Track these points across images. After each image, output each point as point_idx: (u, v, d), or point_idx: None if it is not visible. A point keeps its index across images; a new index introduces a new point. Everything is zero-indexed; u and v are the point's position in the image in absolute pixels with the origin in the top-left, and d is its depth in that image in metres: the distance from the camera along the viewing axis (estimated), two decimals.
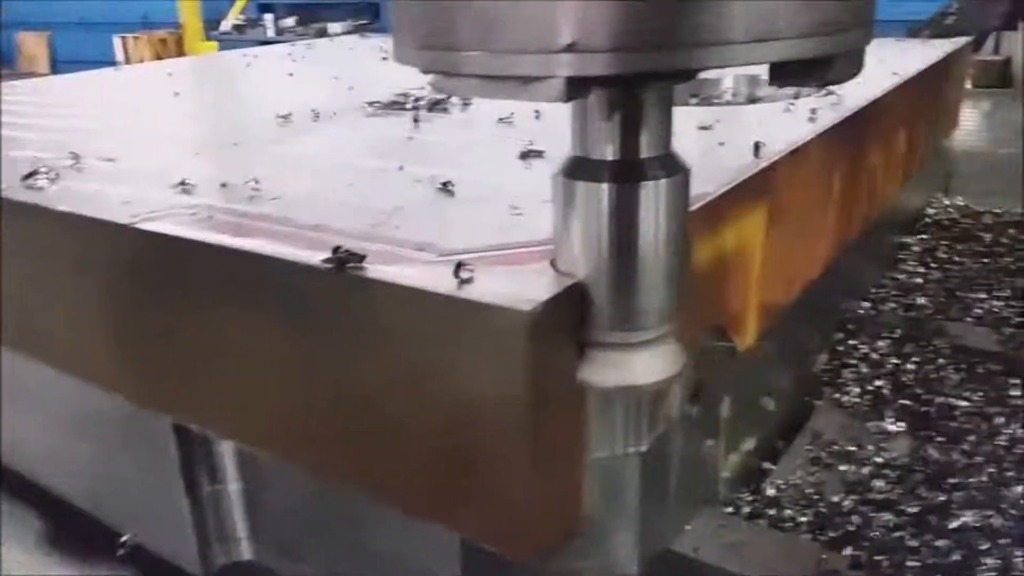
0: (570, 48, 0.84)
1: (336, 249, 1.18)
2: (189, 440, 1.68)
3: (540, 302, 1.06)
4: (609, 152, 1.03)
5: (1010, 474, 1.90)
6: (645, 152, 1.03)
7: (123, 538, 2.05)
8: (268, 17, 12.14)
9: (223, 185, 1.61)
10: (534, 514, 1.18)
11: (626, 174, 1.03)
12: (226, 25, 12.36)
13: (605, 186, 1.03)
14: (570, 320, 1.10)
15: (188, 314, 1.45)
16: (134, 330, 1.59)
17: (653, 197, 1.04)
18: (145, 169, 1.81)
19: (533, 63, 0.87)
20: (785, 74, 0.93)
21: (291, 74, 3.27)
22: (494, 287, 1.10)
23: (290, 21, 12.15)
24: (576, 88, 0.89)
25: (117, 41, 11.97)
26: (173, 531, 1.79)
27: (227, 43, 10.89)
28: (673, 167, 1.06)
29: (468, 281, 1.12)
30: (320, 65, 3.57)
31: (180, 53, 10.94)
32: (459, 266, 1.13)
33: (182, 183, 1.64)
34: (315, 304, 1.25)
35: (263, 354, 1.36)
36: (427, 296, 1.12)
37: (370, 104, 2.39)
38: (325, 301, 1.24)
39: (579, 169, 1.06)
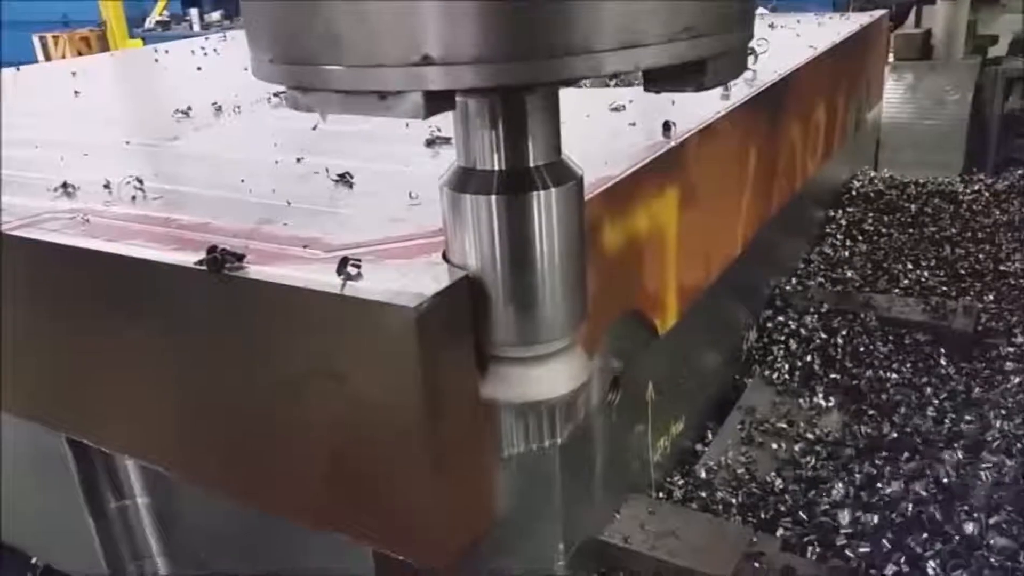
0: (427, 60, 0.78)
1: (212, 249, 1.11)
2: (88, 455, 1.59)
3: (428, 297, 1.00)
4: (496, 162, 0.98)
5: (940, 445, 1.90)
6: (533, 160, 0.98)
7: (33, 561, 1.96)
8: (193, 12, 11.82)
9: (106, 186, 1.52)
10: (439, 518, 1.12)
11: (515, 184, 0.98)
12: (150, 22, 12.01)
13: (494, 198, 0.98)
14: (463, 313, 1.04)
15: (67, 323, 1.36)
16: (18, 341, 1.49)
17: (545, 207, 0.98)
18: (29, 173, 1.71)
19: (388, 77, 0.80)
20: (658, 80, 0.88)
21: (200, 68, 3.15)
22: (380, 283, 1.04)
23: (216, 15, 11.85)
24: (437, 102, 0.82)
25: (36, 41, 11.53)
26: (81, 551, 1.70)
27: (152, 40, 10.58)
28: (564, 174, 1.01)
29: (353, 278, 1.05)
30: (232, 57, 3.45)
31: (104, 52, 10.60)
32: (344, 262, 1.06)
33: (64, 186, 1.54)
34: (194, 309, 1.17)
35: (145, 363, 1.28)
36: (310, 295, 1.05)
37: (277, 95, 2.29)
38: (204, 305, 1.16)
39: (466, 181, 1.00)
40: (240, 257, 1.11)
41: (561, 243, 1.01)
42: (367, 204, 1.39)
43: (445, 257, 1.09)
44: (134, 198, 1.47)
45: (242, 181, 1.53)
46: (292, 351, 1.11)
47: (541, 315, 1.03)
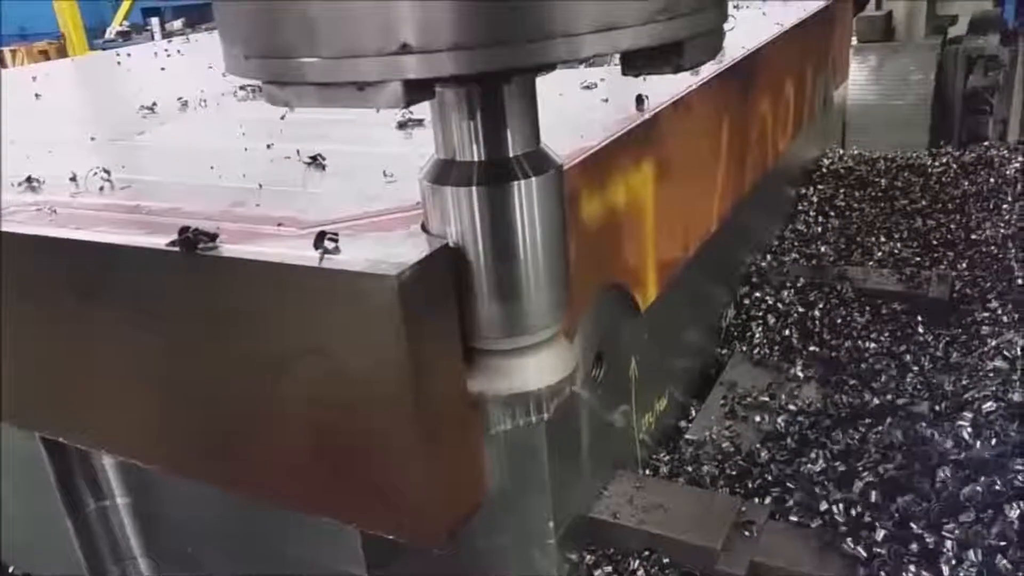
0: (405, 49, 0.77)
1: (184, 230, 1.08)
2: (64, 455, 1.55)
3: (409, 265, 0.98)
4: (475, 153, 0.98)
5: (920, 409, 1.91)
6: (513, 150, 0.98)
7: (11, 569, 1.92)
8: (154, 21, 11.73)
9: (72, 179, 1.49)
10: (428, 495, 1.10)
11: (495, 175, 0.97)
12: (110, 32, 11.88)
13: (474, 190, 0.97)
14: (445, 282, 1.03)
15: (35, 317, 1.33)
16: None
17: (525, 197, 0.98)
18: None
19: (366, 67, 0.79)
20: (636, 62, 0.89)
21: (163, 68, 3.11)
22: (359, 255, 1.02)
23: (178, 24, 11.75)
24: (416, 92, 0.82)
25: None
26: (60, 555, 1.66)
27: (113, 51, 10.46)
28: (544, 163, 1.01)
29: (331, 251, 1.03)
30: (195, 57, 3.41)
31: None
32: (321, 236, 1.04)
33: (28, 180, 1.51)
34: (167, 293, 1.15)
35: (118, 354, 1.25)
36: (287, 271, 1.03)
37: (243, 88, 2.26)
38: (178, 289, 1.14)
39: (445, 173, 1.00)
40: (213, 236, 1.08)
41: (543, 233, 1.01)
42: (341, 184, 1.37)
43: (424, 228, 1.08)
44: (101, 189, 1.44)
45: (211, 168, 1.51)
46: (271, 330, 1.09)
47: (525, 306, 1.03)
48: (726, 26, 2.36)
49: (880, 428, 1.84)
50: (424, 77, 0.79)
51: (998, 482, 1.56)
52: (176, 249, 1.08)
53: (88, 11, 11.30)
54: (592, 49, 0.81)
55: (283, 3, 0.81)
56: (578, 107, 1.73)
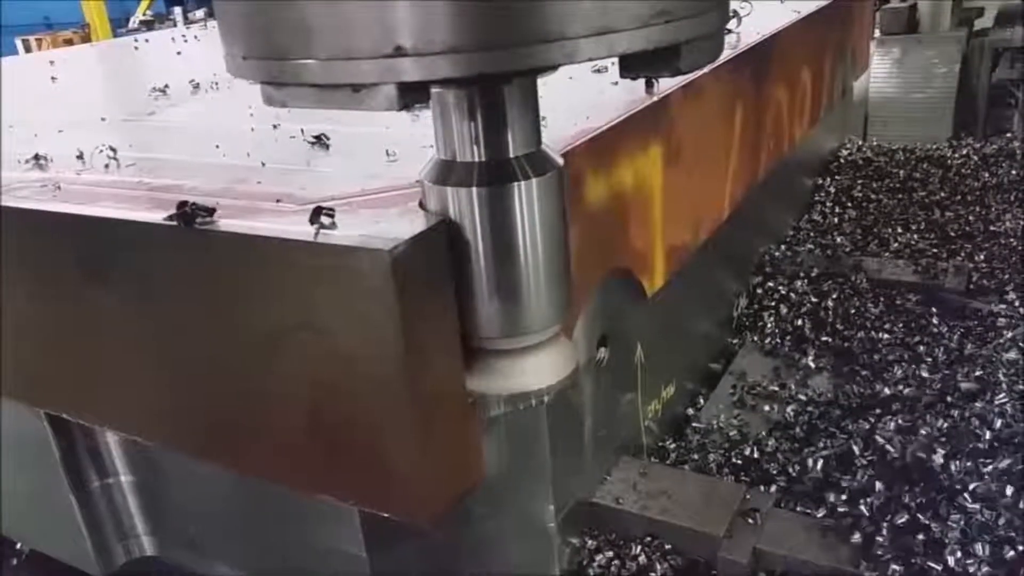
0: (400, 52, 0.77)
1: (182, 204, 1.08)
2: (68, 432, 1.56)
3: (403, 240, 0.97)
4: (475, 154, 0.97)
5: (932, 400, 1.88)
6: (513, 151, 0.98)
7: (17, 546, 1.94)
8: (177, 11, 11.76)
9: (79, 157, 1.49)
10: (424, 471, 1.10)
11: (495, 176, 0.97)
12: (134, 22, 11.95)
13: (474, 191, 0.97)
14: (441, 259, 1.02)
15: (37, 293, 1.33)
16: None
17: (526, 198, 0.98)
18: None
19: (361, 69, 0.79)
20: (634, 65, 0.88)
21: (179, 53, 3.13)
22: (355, 230, 1.02)
23: (200, 13, 11.79)
24: (411, 94, 0.81)
25: (19, 43, 11.46)
26: (65, 533, 1.67)
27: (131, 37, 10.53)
28: (544, 164, 1.00)
29: (327, 227, 1.03)
30: (212, 43, 3.42)
31: None
32: (317, 211, 1.04)
33: (36, 157, 1.51)
34: (166, 268, 1.15)
35: (118, 329, 1.25)
36: (282, 245, 1.03)
37: None
38: (176, 264, 1.14)
39: (446, 173, 0.99)
40: (211, 211, 1.08)
41: (543, 233, 1.01)
42: (343, 163, 1.37)
43: (422, 206, 1.07)
44: (107, 166, 1.44)
45: (216, 147, 1.51)
46: (267, 306, 1.08)
47: (526, 306, 1.03)
48: (742, 12, 2.33)
49: (889, 418, 1.82)
50: (419, 80, 0.79)
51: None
52: (174, 223, 1.08)
53: (112, 1, 11.36)
54: (588, 53, 0.80)
55: (279, 5, 0.81)
56: (588, 91, 1.72)
